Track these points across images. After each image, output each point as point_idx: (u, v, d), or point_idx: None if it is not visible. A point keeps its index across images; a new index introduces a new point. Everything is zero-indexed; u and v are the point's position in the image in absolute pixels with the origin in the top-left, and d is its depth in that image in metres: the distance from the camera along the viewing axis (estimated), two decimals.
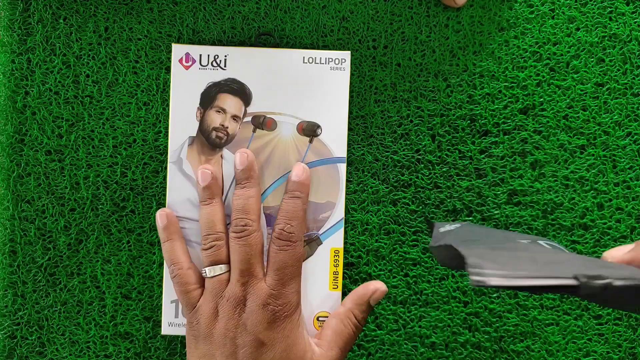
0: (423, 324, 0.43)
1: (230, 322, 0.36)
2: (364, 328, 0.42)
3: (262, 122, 0.41)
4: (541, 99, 0.43)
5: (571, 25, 0.43)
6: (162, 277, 0.42)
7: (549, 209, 0.43)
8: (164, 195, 0.43)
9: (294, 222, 0.38)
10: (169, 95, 0.43)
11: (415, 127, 0.43)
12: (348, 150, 0.42)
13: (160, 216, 0.40)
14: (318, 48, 0.43)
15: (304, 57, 0.40)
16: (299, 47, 0.43)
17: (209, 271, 0.38)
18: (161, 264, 0.42)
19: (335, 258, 0.41)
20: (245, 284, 0.37)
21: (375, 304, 0.39)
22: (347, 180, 0.41)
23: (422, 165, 0.43)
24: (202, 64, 0.40)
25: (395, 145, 0.43)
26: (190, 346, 0.38)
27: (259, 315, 0.36)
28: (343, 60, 0.40)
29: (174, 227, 0.40)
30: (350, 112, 0.42)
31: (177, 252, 0.39)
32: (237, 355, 0.36)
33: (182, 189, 0.41)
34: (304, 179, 0.39)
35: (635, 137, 0.43)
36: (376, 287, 0.39)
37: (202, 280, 0.39)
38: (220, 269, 0.38)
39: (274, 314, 0.36)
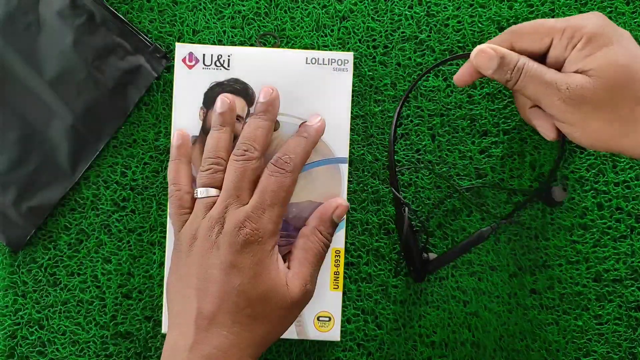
0: (423, 324, 0.43)
1: (206, 242, 0.36)
2: (363, 328, 0.42)
3: None
4: None
5: None
6: (162, 276, 0.42)
7: (548, 209, 0.43)
8: (165, 195, 0.43)
9: (293, 155, 0.37)
10: (169, 95, 0.43)
11: (416, 127, 0.43)
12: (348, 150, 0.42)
13: (177, 135, 0.40)
14: (318, 48, 0.43)
15: (306, 58, 0.40)
16: (298, 47, 0.43)
17: (199, 192, 0.37)
18: (162, 264, 0.42)
19: (337, 258, 0.41)
20: (227, 206, 0.36)
21: (338, 220, 0.39)
22: (347, 181, 0.41)
23: (422, 165, 0.43)
24: (206, 63, 0.40)
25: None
26: (172, 268, 0.37)
27: (233, 237, 0.35)
28: (346, 62, 0.40)
29: (185, 150, 0.40)
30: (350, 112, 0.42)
31: (180, 174, 0.39)
32: (208, 276, 0.35)
33: None
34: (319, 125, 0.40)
35: None
36: (338, 203, 0.39)
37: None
38: (211, 191, 0.37)
39: (247, 237, 0.35)
